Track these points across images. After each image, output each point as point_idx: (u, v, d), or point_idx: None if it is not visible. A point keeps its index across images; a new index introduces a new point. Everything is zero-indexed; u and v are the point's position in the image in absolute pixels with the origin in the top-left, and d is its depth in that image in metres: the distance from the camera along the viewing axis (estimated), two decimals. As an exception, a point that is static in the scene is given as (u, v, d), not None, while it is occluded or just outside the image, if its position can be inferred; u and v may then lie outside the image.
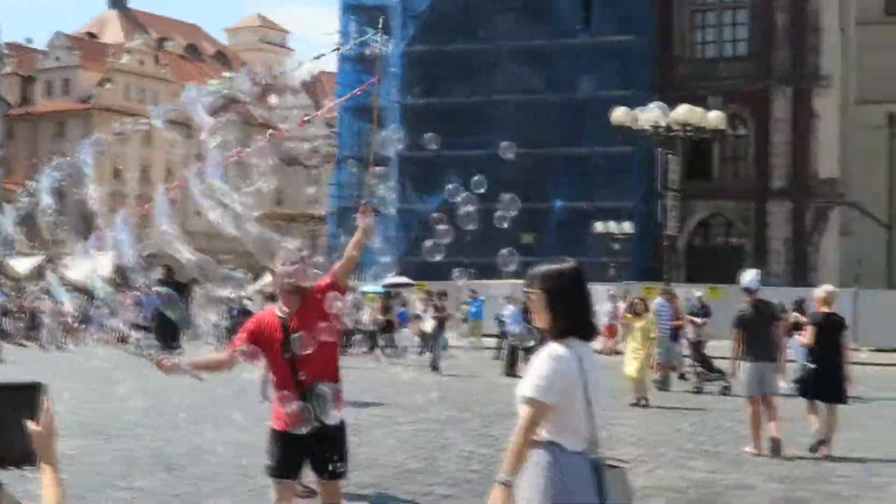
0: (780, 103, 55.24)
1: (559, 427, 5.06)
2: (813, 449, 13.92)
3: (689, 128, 35.55)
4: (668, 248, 37.25)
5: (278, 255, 7.43)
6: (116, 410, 16.73)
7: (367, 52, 62.49)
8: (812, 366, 14.33)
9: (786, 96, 55.18)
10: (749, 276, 15.28)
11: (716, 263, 49.90)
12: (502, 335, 31.06)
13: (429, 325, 31.17)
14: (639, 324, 20.77)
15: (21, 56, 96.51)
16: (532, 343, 18.95)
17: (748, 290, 14.97)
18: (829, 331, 14.29)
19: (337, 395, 7.16)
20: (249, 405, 15.03)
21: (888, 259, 56.81)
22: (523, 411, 5.07)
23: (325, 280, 7.33)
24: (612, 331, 34.13)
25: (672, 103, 36.96)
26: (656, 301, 24.39)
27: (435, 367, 27.87)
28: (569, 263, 5.33)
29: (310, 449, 7.13)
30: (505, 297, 31.65)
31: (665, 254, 37.84)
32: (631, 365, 20.17)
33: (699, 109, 36.90)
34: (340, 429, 7.26)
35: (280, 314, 7.35)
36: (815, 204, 54.91)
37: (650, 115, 35.58)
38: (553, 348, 5.14)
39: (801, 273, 52.22)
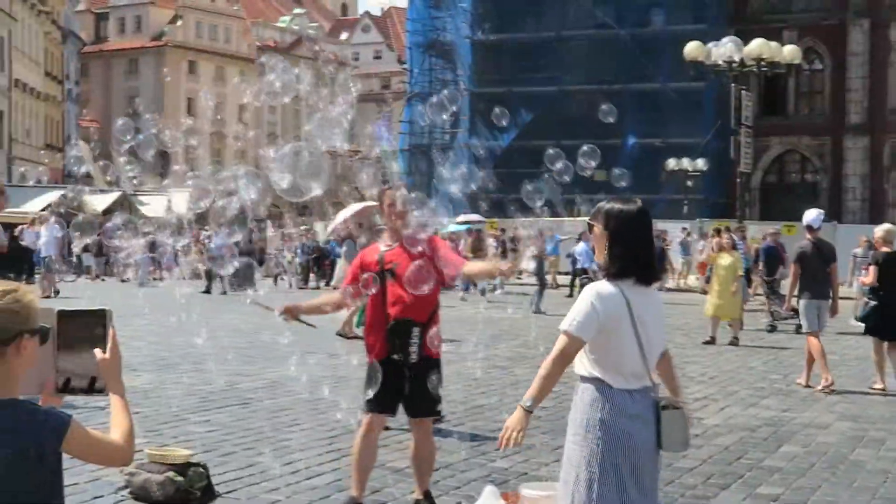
0: (857, 36, 54.20)
1: (603, 365, 5.10)
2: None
3: (763, 62, 34.93)
4: (741, 185, 36.79)
5: (385, 192, 7.46)
6: (191, 345, 16.99)
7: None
8: (874, 303, 14.34)
9: (862, 29, 54.13)
10: (812, 214, 15.46)
11: (790, 201, 49.38)
12: (575, 273, 30.96)
13: (529, 263, 29.35)
14: (725, 261, 20.09)
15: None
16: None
17: (810, 228, 15.18)
18: (891, 269, 14.25)
19: (429, 337, 7.20)
20: (325, 342, 15.18)
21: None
22: (558, 342, 5.14)
23: (439, 243, 7.35)
24: (704, 268, 33.52)
25: (746, 37, 36.32)
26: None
27: (538, 310, 26.28)
28: (634, 203, 5.27)
29: (405, 387, 7.19)
30: (577, 234, 31.52)
31: (738, 191, 37.40)
32: (713, 303, 19.84)
33: (773, 43, 36.20)
34: (435, 369, 7.31)
35: (382, 247, 7.43)
36: (893, 139, 53.99)
37: (723, 49, 34.98)
38: (599, 285, 5.18)
39: (878, 209, 51.47)
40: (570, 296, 30.03)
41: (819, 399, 13.47)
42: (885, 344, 14.24)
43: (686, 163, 50.08)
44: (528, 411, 5.12)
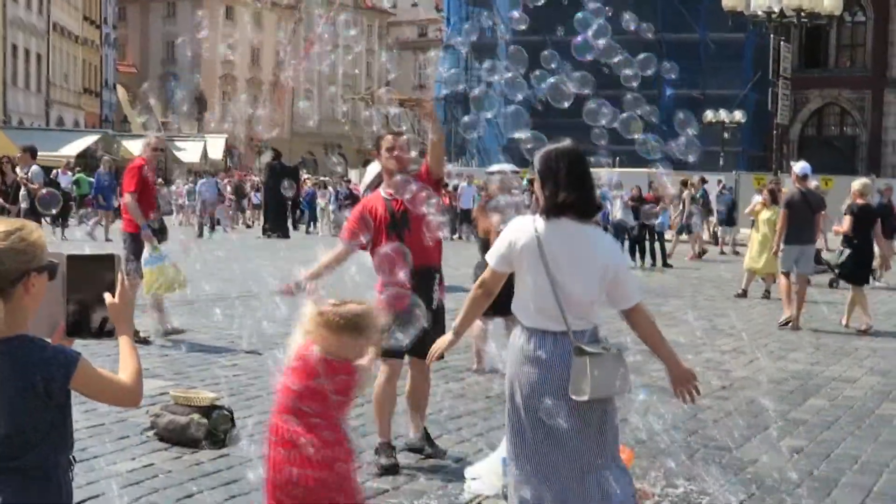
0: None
1: (517, 298, 5.23)
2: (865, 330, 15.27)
3: (803, 13, 34.54)
4: (777, 137, 36.47)
5: (383, 136, 7.45)
6: (219, 290, 17.06)
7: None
8: (848, 251, 15.80)
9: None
10: (800, 164, 16.85)
11: (829, 154, 48.97)
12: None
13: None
14: (766, 215, 19.38)
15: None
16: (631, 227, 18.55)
17: (798, 177, 16.33)
18: (865, 220, 15.70)
19: (439, 280, 7.28)
20: (348, 285, 15.20)
21: None
22: (484, 272, 5.41)
23: (422, 167, 7.36)
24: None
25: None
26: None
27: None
28: (563, 143, 5.28)
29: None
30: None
31: (775, 143, 37.09)
32: (752, 258, 19.55)
33: (815, -5, 35.81)
34: (440, 310, 7.33)
35: (385, 196, 7.40)
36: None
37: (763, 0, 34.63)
38: (515, 220, 5.30)
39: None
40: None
41: (849, 353, 13.41)
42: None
43: (724, 114, 49.64)
44: (456, 334, 5.57)
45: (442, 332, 7.24)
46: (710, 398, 9.92)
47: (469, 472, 7.20)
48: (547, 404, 5.00)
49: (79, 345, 3.49)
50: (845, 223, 15.77)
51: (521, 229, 5.16)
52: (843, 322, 15.77)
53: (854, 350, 13.64)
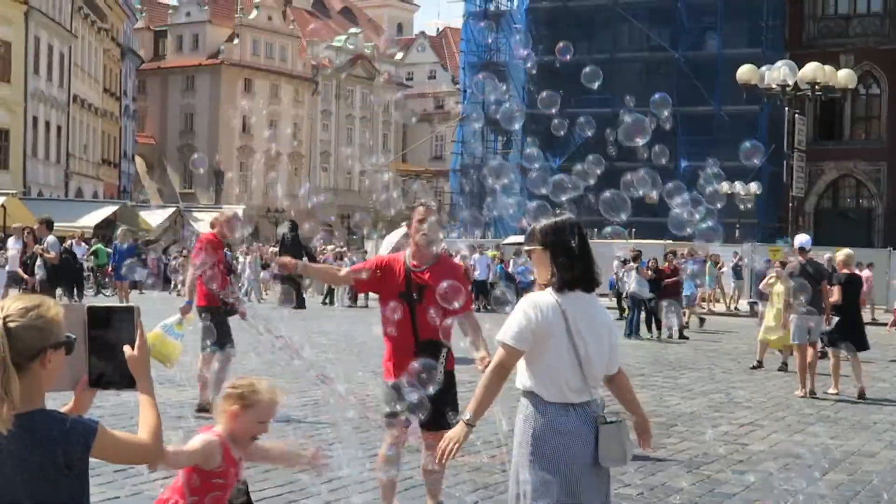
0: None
1: (538, 377, 5.15)
2: (861, 396, 15.76)
3: (817, 86, 34.72)
4: (793, 209, 36.52)
5: (416, 208, 7.51)
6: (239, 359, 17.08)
7: (493, 7, 62.69)
8: (837, 318, 16.29)
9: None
10: (803, 238, 17.56)
11: (845, 227, 48.91)
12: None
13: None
14: (779, 288, 19.06)
15: (152, 11, 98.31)
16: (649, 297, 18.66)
17: (801, 250, 16.88)
18: (851, 289, 16.36)
19: (447, 355, 7.29)
20: (371, 359, 15.17)
21: None
22: (496, 354, 5.24)
23: (462, 281, 7.32)
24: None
25: (802, 62, 36.13)
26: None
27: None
28: (567, 216, 5.35)
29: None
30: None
31: (791, 216, 37.13)
32: (769, 330, 19.49)
33: (828, 67, 36.07)
34: (451, 381, 7.34)
35: (409, 264, 7.44)
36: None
37: (777, 73, 34.88)
38: (534, 295, 5.25)
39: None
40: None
41: (867, 426, 13.33)
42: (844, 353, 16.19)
43: (739, 186, 49.69)
44: (469, 425, 5.21)
45: (452, 404, 7.27)
46: (728, 472, 9.87)
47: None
48: (587, 475, 5.10)
49: (107, 393, 3.52)
50: (834, 293, 16.23)
51: (539, 304, 5.16)
52: (833, 391, 16.14)
53: (872, 424, 13.56)
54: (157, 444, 3.47)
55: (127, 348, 3.49)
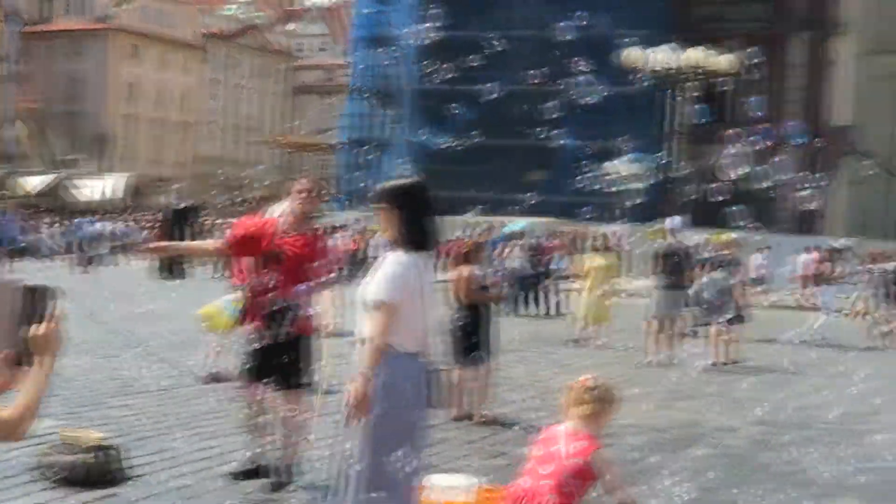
0: (796, 49, 54.89)
1: (395, 329, 5.44)
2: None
3: (700, 70, 35.39)
4: (673, 190, 37.24)
5: (297, 182, 7.84)
6: (129, 330, 16.96)
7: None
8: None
9: (802, 42, 54.81)
10: (674, 219, 19.07)
11: (725, 208, 49.81)
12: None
13: None
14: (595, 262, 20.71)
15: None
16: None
17: (670, 231, 18.36)
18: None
19: (303, 317, 7.52)
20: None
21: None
22: (381, 314, 5.44)
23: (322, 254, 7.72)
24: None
25: (689, 44, 36.73)
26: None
27: None
28: (414, 179, 5.75)
29: (274, 357, 7.46)
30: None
31: (669, 197, 37.84)
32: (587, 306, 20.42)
33: (712, 52, 36.73)
34: (303, 343, 7.63)
35: (279, 228, 7.69)
36: (827, 152, 54.67)
37: (662, 56, 35.45)
38: (398, 255, 5.53)
39: (808, 221, 52.10)
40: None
41: (734, 404, 13.68)
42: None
43: (622, 167, 50.33)
44: (366, 376, 5.44)
45: (300, 360, 7.53)
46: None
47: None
48: (421, 418, 5.62)
49: None
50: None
51: (406, 263, 5.50)
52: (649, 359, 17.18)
53: (737, 401, 13.94)
54: (18, 420, 3.39)
55: (32, 327, 3.38)
